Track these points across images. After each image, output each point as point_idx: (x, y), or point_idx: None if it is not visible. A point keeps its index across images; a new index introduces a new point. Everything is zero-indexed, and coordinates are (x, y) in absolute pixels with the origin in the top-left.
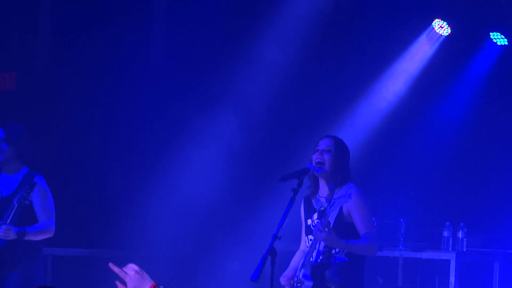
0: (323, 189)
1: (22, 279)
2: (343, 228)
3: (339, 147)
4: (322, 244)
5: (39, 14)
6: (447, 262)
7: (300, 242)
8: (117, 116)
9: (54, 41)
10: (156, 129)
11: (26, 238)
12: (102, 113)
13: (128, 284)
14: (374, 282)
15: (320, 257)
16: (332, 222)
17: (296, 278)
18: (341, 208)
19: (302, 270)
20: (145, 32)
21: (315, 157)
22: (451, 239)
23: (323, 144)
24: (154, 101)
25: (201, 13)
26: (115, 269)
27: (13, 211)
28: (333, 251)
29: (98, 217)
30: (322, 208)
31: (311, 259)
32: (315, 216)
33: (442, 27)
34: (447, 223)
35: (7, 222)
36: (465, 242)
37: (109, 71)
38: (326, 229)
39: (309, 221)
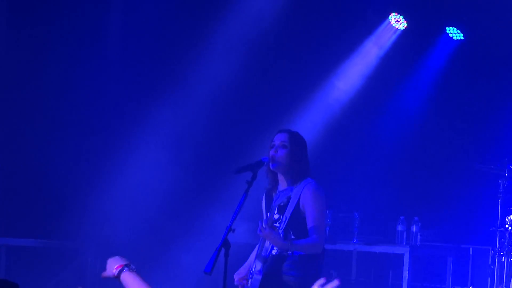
0: (282, 183)
1: None
2: (298, 223)
3: (295, 141)
4: None
5: None
6: (401, 256)
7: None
8: (71, 104)
9: (11, 26)
10: (110, 118)
11: None
12: (56, 101)
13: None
14: (327, 276)
15: (276, 250)
16: (288, 216)
17: (250, 273)
18: (297, 203)
19: (257, 264)
20: (102, 19)
21: (271, 153)
22: (405, 233)
23: (278, 139)
24: (108, 91)
25: (158, 4)
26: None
27: None
28: None
29: (53, 207)
30: (281, 204)
31: (264, 252)
32: (276, 210)
33: (398, 21)
34: (401, 217)
35: None
36: (419, 237)
37: (64, 57)
38: (266, 228)
39: (269, 214)
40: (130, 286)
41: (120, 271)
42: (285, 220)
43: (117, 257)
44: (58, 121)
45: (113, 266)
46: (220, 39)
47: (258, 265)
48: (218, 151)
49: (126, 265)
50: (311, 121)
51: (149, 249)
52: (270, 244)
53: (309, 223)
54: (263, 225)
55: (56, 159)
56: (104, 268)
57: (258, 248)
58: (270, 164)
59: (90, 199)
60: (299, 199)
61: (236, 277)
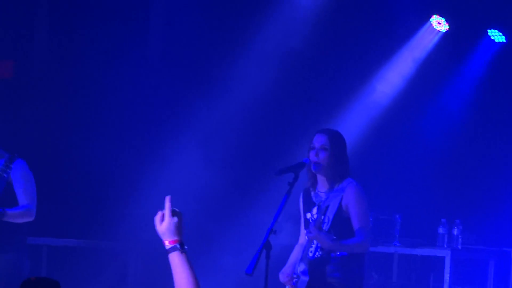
0: (322, 184)
1: (6, 269)
2: (341, 223)
3: (335, 142)
4: None
5: (37, 1)
6: (442, 259)
7: (299, 235)
8: (114, 108)
9: (52, 30)
10: (152, 121)
11: (6, 219)
12: (100, 104)
13: (161, 223)
14: (368, 278)
15: (319, 252)
16: (331, 217)
17: (294, 274)
18: (340, 203)
19: (301, 265)
20: (142, 20)
21: (311, 157)
22: (446, 236)
23: (318, 142)
24: (151, 94)
25: (197, 12)
26: (168, 204)
27: None
28: None
29: (94, 208)
30: (323, 205)
31: (309, 254)
32: (315, 210)
33: (440, 24)
34: (443, 220)
35: None
36: (460, 239)
37: (107, 63)
38: (317, 228)
39: (308, 215)
40: (176, 268)
41: (171, 249)
42: (328, 221)
43: (174, 226)
44: (101, 123)
45: (168, 233)
46: (260, 42)
47: (302, 266)
48: (258, 152)
49: (179, 244)
50: (352, 122)
51: (190, 250)
52: (314, 245)
53: (355, 224)
54: (313, 227)
55: (98, 159)
56: (145, 269)
57: (303, 249)
58: (312, 166)
59: (132, 200)
60: (341, 199)
61: (282, 276)
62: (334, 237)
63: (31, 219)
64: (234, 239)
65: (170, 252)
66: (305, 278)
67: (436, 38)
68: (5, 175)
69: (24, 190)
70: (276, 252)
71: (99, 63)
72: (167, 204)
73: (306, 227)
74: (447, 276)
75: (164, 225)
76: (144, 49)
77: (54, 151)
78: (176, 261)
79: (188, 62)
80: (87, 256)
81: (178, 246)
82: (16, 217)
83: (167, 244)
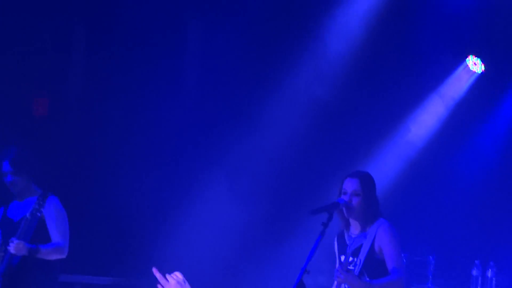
0: (355, 226)
1: None
2: (374, 265)
3: (366, 186)
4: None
5: (72, 38)
6: None
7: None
8: (147, 141)
9: (88, 66)
10: (183, 152)
11: (39, 256)
12: (135, 139)
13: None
14: None
15: None
16: (362, 259)
17: None
18: (372, 244)
19: None
20: (178, 56)
21: (345, 202)
22: (480, 278)
23: (349, 187)
24: (183, 127)
25: (234, 39)
26: (158, 275)
27: (26, 225)
28: None
29: (126, 245)
30: (356, 247)
31: None
32: (350, 254)
33: (476, 64)
34: (476, 262)
35: (20, 237)
36: (494, 282)
37: (143, 96)
38: (344, 271)
39: (343, 258)
40: None
41: None
42: (360, 263)
43: (187, 285)
44: (134, 158)
45: None
46: (294, 80)
47: None
48: (292, 191)
49: None
50: (386, 163)
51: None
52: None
53: (389, 264)
54: (341, 270)
55: (130, 196)
56: None
57: None
58: (345, 212)
59: (163, 237)
60: (373, 240)
61: None
62: (368, 279)
63: (63, 256)
64: (266, 278)
65: None
66: None
67: (472, 79)
68: (37, 213)
69: (56, 227)
70: None
71: (134, 96)
72: (157, 275)
73: None
74: None
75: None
76: (179, 81)
77: (87, 188)
78: None
79: (222, 95)
80: None
81: None
82: (49, 254)
83: None
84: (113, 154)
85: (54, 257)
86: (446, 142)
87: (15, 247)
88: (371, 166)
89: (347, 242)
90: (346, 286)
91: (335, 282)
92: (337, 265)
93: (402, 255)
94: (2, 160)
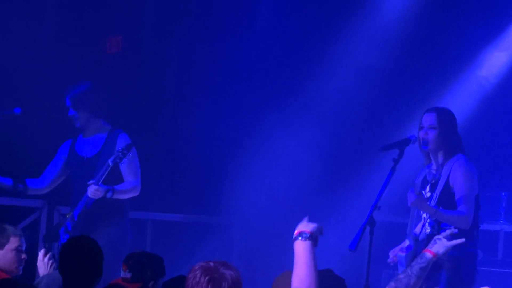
0: (435, 161)
1: (109, 240)
2: (448, 200)
3: (443, 121)
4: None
5: None
6: None
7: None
8: (217, 83)
9: (160, 5)
10: (259, 100)
11: (115, 196)
12: (204, 80)
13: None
14: None
15: (429, 230)
16: (438, 194)
17: (401, 248)
18: (447, 180)
19: (405, 241)
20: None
21: (421, 136)
22: None
23: (426, 121)
24: (254, 78)
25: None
26: None
27: (106, 171)
28: (442, 224)
29: (197, 183)
30: (433, 181)
31: (416, 230)
32: (428, 188)
33: None
34: None
35: (100, 182)
36: None
37: (212, 42)
38: (413, 196)
39: (422, 193)
40: (297, 256)
41: (295, 238)
42: (436, 198)
43: (306, 221)
44: (202, 95)
45: (298, 228)
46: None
47: (407, 242)
48: (362, 132)
49: (303, 233)
50: (459, 100)
51: (292, 227)
52: (421, 222)
53: (457, 196)
54: (410, 194)
55: (203, 134)
56: (250, 245)
57: (409, 226)
58: (422, 146)
59: (234, 175)
60: (449, 175)
61: (391, 254)
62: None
63: (136, 194)
64: (338, 215)
65: (295, 241)
66: (402, 254)
67: None
68: (122, 162)
69: (128, 166)
70: (380, 228)
71: (205, 40)
72: None
73: None
74: None
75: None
76: (250, 26)
77: (158, 126)
78: (298, 249)
79: (284, 59)
80: (190, 231)
81: (300, 236)
82: (124, 193)
83: (294, 235)
84: (187, 93)
85: (129, 196)
86: None
87: (93, 192)
88: (445, 102)
89: (428, 178)
90: (424, 220)
91: (410, 216)
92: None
93: (476, 192)
94: (66, 95)
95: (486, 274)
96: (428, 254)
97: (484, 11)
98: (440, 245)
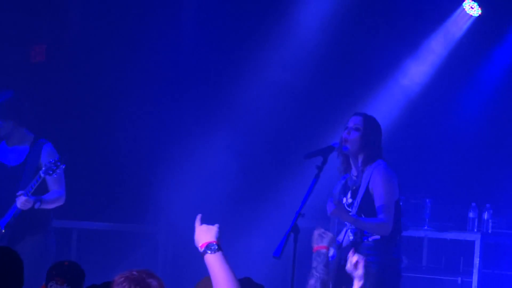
0: (355, 167)
1: (35, 250)
2: (369, 206)
3: (369, 125)
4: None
5: None
6: (472, 243)
7: None
8: (142, 92)
9: (85, 13)
10: (180, 109)
11: (42, 206)
12: (130, 88)
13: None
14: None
15: (352, 237)
16: (359, 201)
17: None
18: (367, 186)
19: (330, 250)
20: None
21: (343, 135)
22: (476, 220)
23: (352, 122)
24: (179, 87)
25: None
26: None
27: (38, 183)
28: (365, 231)
29: (123, 191)
30: (354, 187)
31: (339, 239)
32: (349, 195)
33: (472, 8)
34: (473, 204)
35: (30, 193)
36: (490, 224)
37: (139, 48)
38: (334, 204)
39: (344, 200)
40: (213, 270)
41: (204, 252)
42: (357, 204)
43: (205, 228)
44: (132, 107)
45: (201, 240)
46: (290, 36)
47: (331, 251)
48: (287, 137)
49: (210, 245)
50: (384, 107)
51: (220, 234)
52: (345, 230)
53: (377, 203)
54: (330, 204)
55: (127, 142)
56: (175, 253)
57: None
58: (342, 146)
59: (159, 183)
60: (368, 182)
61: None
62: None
63: (62, 203)
64: (264, 223)
65: (204, 255)
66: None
67: (468, 23)
68: (54, 175)
69: (57, 177)
70: (304, 236)
71: (132, 46)
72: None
73: None
74: (476, 260)
75: (197, 237)
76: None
77: (84, 135)
78: (211, 261)
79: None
80: (116, 240)
81: (209, 249)
82: (51, 203)
83: (200, 249)
84: (112, 102)
85: (54, 206)
86: (443, 85)
87: (23, 203)
88: (370, 109)
89: (349, 184)
90: (346, 228)
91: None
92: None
93: (395, 195)
94: None
95: (411, 280)
96: (322, 250)
97: (405, 21)
98: (320, 238)
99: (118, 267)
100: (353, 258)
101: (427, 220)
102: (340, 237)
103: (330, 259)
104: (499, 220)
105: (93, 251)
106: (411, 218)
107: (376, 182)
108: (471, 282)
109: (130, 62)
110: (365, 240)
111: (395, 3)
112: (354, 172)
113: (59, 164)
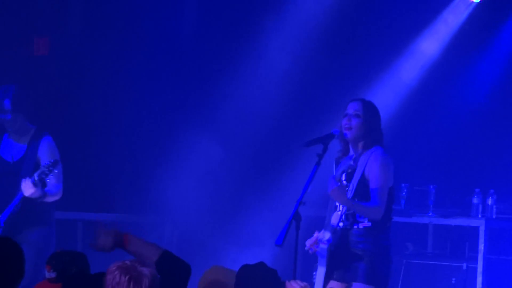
0: (354, 152)
1: (37, 241)
2: (364, 190)
3: (368, 111)
4: (345, 208)
5: None
6: (476, 229)
7: None
8: (147, 83)
9: (88, 7)
10: (185, 97)
11: (46, 200)
12: (134, 79)
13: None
14: (404, 249)
15: (343, 222)
16: (355, 184)
17: (319, 240)
18: (364, 170)
19: (326, 233)
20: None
21: (344, 122)
22: (480, 206)
23: (351, 108)
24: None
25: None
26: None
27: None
28: (357, 216)
29: (127, 182)
30: (349, 170)
31: (333, 223)
32: (344, 177)
33: None
34: (477, 190)
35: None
36: (494, 209)
37: (141, 39)
38: (335, 183)
39: (339, 181)
40: (136, 245)
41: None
42: (353, 188)
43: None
44: (136, 100)
45: (110, 237)
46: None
47: (327, 235)
48: (287, 124)
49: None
50: (386, 94)
51: (220, 223)
52: (339, 216)
53: (371, 186)
54: (332, 182)
55: (132, 134)
56: (180, 243)
57: (327, 218)
58: (344, 132)
59: (166, 176)
60: (365, 166)
61: (308, 243)
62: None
63: (59, 198)
64: (266, 211)
65: (124, 238)
66: (324, 246)
67: (469, 9)
68: (47, 179)
69: (55, 174)
70: (306, 223)
71: (134, 39)
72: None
73: None
74: (481, 246)
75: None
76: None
77: (87, 127)
78: (133, 239)
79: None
80: (121, 230)
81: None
82: (52, 197)
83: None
84: (112, 91)
85: (54, 199)
86: (446, 71)
87: (28, 187)
88: (371, 97)
89: (344, 166)
90: (341, 212)
91: (328, 208)
92: None
93: (390, 184)
94: (2, 99)
95: (417, 266)
96: None
97: (408, 7)
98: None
99: (123, 258)
100: None
101: (431, 206)
102: (334, 221)
103: (326, 243)
104: (503, 205)
105: None
106: (415, 205)
107: (373, 167)
108: (476, 268)
109: (132, 55)
110: (355, 227)
111: None
112: (352, 155)
113: (51, 169)
